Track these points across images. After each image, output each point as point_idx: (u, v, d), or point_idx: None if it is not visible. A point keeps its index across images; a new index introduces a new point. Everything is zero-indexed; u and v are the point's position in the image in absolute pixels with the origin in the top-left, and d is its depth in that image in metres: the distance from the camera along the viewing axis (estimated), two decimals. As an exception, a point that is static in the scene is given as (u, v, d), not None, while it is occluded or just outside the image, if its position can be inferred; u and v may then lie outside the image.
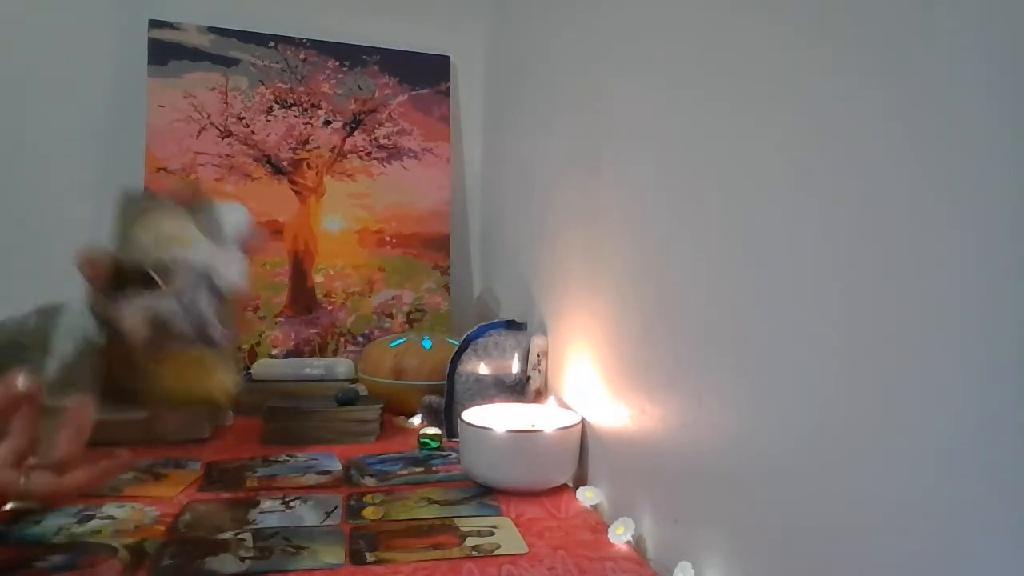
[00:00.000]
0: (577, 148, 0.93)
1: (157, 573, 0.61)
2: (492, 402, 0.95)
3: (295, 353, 1.35)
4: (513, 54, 1.31)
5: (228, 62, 1.36)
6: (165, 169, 1.30)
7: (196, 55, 1.34)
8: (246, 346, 1.31)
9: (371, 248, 1.43)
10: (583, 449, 0.86)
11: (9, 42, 1.29)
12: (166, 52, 1.32)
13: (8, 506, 0.55)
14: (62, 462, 0.52)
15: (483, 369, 1.02)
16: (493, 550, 0.67)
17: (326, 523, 0.72)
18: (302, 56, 1.40)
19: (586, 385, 0.87)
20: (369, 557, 0.64)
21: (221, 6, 1.38)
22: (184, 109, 1.32)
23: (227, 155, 1.35)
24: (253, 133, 1.37)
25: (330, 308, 1.39)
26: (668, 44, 0.69)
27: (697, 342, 0.63)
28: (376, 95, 1.44)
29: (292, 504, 0.77)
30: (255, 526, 0.71)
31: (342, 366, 1.25)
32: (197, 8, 1.36)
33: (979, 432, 0.35)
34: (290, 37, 1.39)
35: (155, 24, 1.32)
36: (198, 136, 1.33)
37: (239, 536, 0.68)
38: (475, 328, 1.08)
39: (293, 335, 1.36)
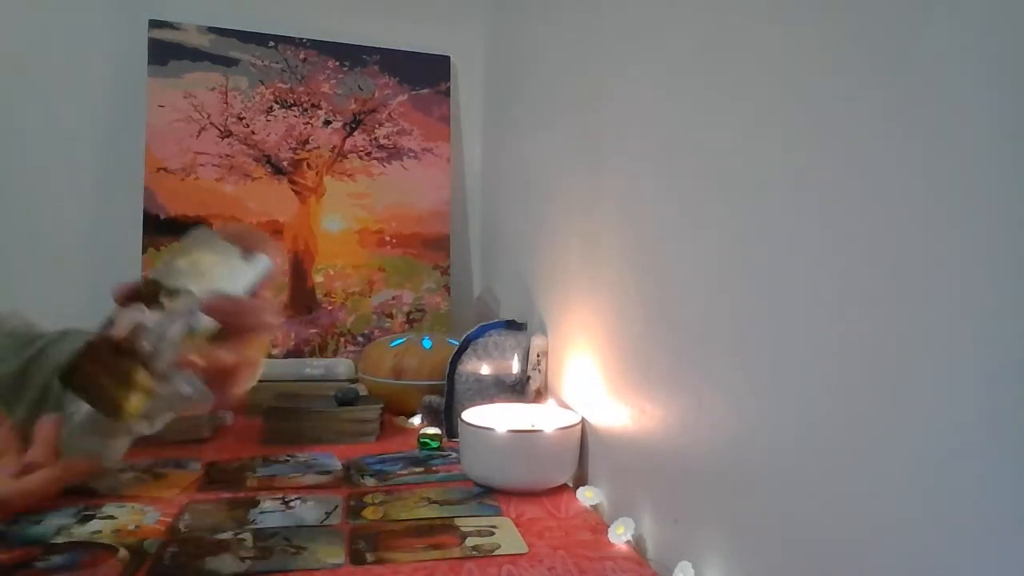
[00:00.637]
0: (577, 148, 0.93)
1: (157, 573, 0.61)
2: (492, 402, 0.95)
3: (295, 353, 1.35)
4: (513, 54, 1.31)
5: (228, 62, 1.36)
6: (165, 169, 1.30)
7: (196, 55, 1.34)
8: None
9: (371, 248, 1.43)
10: (583, 449, 0.86)
11: (9, 42, 1.29)
12: (166, 52, 1.32)
13: None
14: (24, 469, 0.51)
15: (483, 369, 1.02)
16: (493, 550, 0.67)
17: (326, 523, 0.72)
18: (302, 56, 1.40)
19: (586, 385, 0.87)
20: (369, 557, 0.64)
21: (221, 6, 1.38)
22: (184, 109, 1.33)
23: (227, 155, 1.35)
24: (253, 133, 1.37)
25: (330, 308, 1.39)
26: (668, 44, 0.69)
27: (697, 342, 0.63)
28: (376, 95, 1.44)
29: (292, 504, 0.77)
30: (255, 526, 0.71)
31: (342, 366, 1.25)
32: (197, 8, 1.36)
33: (980, 432, 0.35)
34: (290, 37, 1.40)
35: (155, 24, 1.32)
36: (198, 136, 1.33)
37: (239, 536, 0.68)
38: (475, 328, 1.08)
39: (293, 335, 1.36)
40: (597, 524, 0.74)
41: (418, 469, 0.91)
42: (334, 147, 1.41)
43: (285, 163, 1.38)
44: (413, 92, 1.46)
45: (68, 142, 1.32)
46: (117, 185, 1.32)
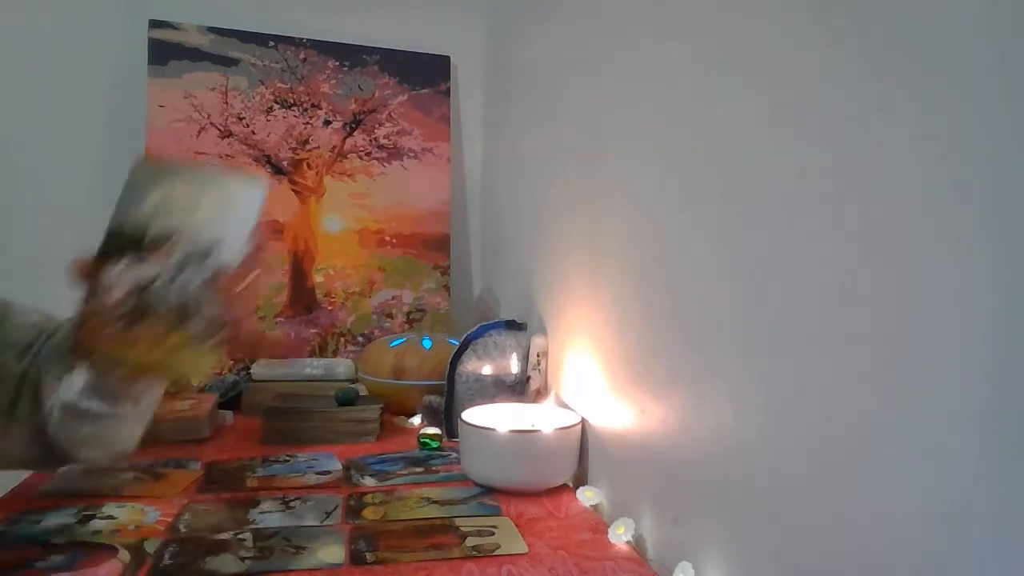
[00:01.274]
0: (577, 148, 0.93)
1: (157, 573, 0.61)
2: (492, 402, 0.95)
3: (295, 353, 1.35)
4: (513, 54, 1.31)
5: (228, 62, 1.36)
6: (165, 169, 1.30)
7: (196, 55, 1.34)
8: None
9: (371, 248, 1.42)
10: (583, 449, 0.86)
11: (9, 42, 1.29)
12: (166, 52, 1.32)
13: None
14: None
15: (483, 369, 1.02)
16: (493, 550, 0.67)
17: (326, 523, 0.72)
18: (302, 56, 1.40)
19: (586, 385, 0.87)
20: (369, 557, 0.64)
21: (221, 6, 1.38)
22: (184, 109, 1.32)
23: (227, 155, 1.35)
24: (253, 133, 1.37)
25: (330, 308, 1.39)
26: (668, 42, 0.69)
27: (697, 342, 0.63)
28: (376, 95, 1.44)
29: (292, 504, 0.77)
30: (255, 526, 0.71)
31: (342, 366, 1.25)
32: (197, 8, 1.36)
33: (980, 433, 0.35)
34: (290, 37, 1.39)
35: (155, 24, 1.32)
36: (198, 136, 1.33)
37: (239, 536, 0.68)
38: (475, 328, 1.08)
39: (293, 335, 1.36)
40: (597, 524, 0.74)
41: (418, 469, 0.91)
42: (334, 147, 1.41)
43: (285, 163, 1.38)
44: (413, 92, 1.46)
45: (68, 142, 1.32)
46: (117, 185, 1.31)
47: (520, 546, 0.68)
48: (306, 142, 1.40)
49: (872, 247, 0.42)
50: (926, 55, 0.39)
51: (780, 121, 0.51)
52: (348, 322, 1.40)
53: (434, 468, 0.91)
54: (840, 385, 0.45)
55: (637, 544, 0.69)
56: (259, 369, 1.24)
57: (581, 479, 0.87)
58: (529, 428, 0.84)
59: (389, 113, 1.44)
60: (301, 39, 1.40)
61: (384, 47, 1.44)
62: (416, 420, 1.12)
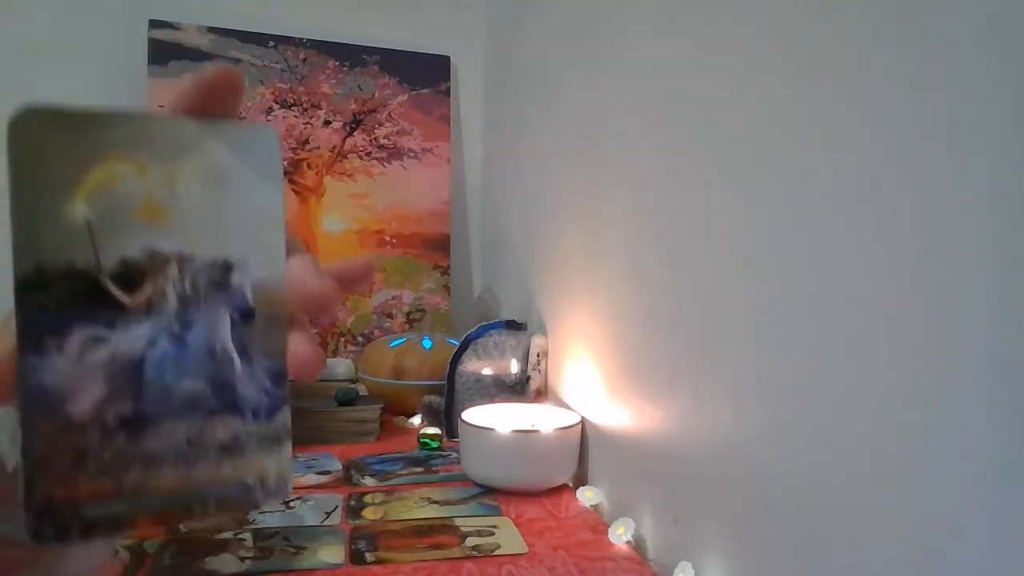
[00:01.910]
0: (577, 147, 0.93)
1: (157, 573, 0.61)
2: (492, 402, 0.95)
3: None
4: (513, 54, 1.31)
5: (228, 62, 1.35)
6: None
7: (196, 55, 1.34)
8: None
9: (371, 248, 1.42)
10: (583, 449, 0.86)
11: (9, 42, 1.29)
12: (166, 52, 1.32)
13: None
14: None
15: (483, 369, 1.02)
16: (493, 550, 0.67)
17: (326, 523, 0.72)
18: (302, 56, 1.40)
19: (586, 385, 0.87)
20: (369, 557, 0.64)
21: (221, 6, 1.38)
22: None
23: (227, 155, 1.34)
24: (253, 133, 1.36)
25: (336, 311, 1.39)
26: (668, 42, 0.69)
27: (698, 342, 0.63)
28: (376, 95, 1.44)
29: (292, 504, 0.77)
30: (255, 526, 0.71)
31: (342, 366, 1.25)
32: (197, 8, 1.36)
33: (981, 433, 0.35)
34: (290, 37, 1.39)
35: (155, 24, 1.32)
36: (198, 136, 1.33)
37: (239, 536, 0.68)
38: (475, 328, 1.08)
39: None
40: (597, 524, 0.74)
41: (418, 469, 0.91)
42: (334, 147, 1.41)
43: (285, 163, 1.38)
44: (413, 92, 1.46)
45: (68, 142, 1.32)
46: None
47: (520, 546, 0.68)
48: (306, 142, 1.40)
49: (873, 248, 0.42)
50: (929, 52, 0.39)
51: (781, 122, 0.51)
52: (348, 322, 1.40)
53: (434, 468, 0.91)
54: (840, 386, 0.45)
55: (637, 544, 0.69)
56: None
57: (581, 479, 0.87)
58: (529, 428, 0.84)
59: (389, 113, 1.44)
60: (301, 39, 1.40)
61: (384, 47, 1.44)
62: (416, 420, 1.12)
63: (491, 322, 1.09)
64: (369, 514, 0.75)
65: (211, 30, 1.35)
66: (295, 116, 1.39)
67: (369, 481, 0.86)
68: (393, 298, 1.43)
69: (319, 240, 1.39)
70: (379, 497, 0.80)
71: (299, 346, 0.28)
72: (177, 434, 0.26)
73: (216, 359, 0.26)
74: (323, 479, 0.86)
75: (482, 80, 1.53)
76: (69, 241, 0.24)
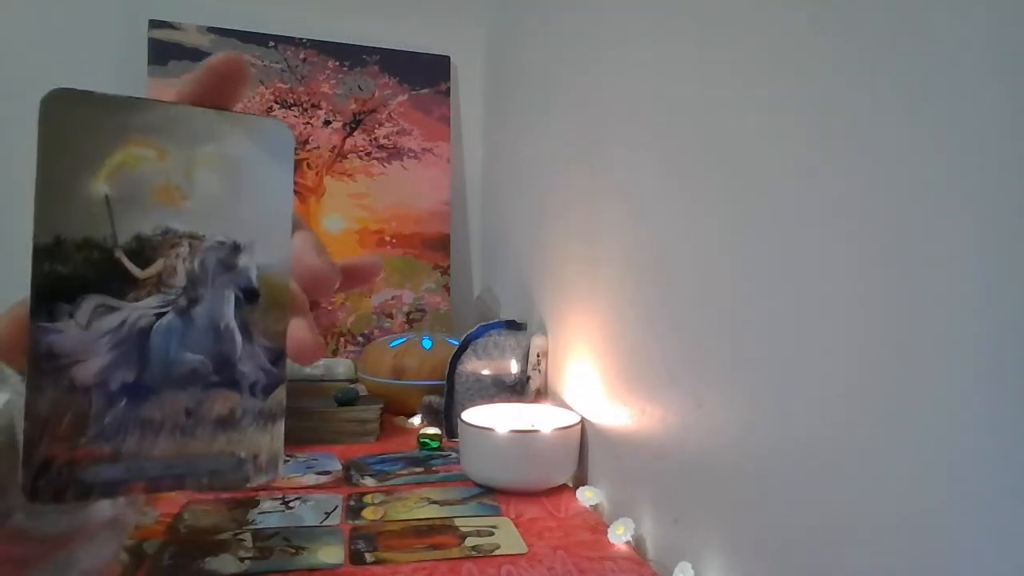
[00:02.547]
0: (577, 147, 0.93)
1: (157, 573, 0.61)
2: (492, 402, 0.95)
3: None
4: (513, 54, 1.31)
5: (228, 62, 1.35)
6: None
7: (196, 55, 1.34)
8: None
9: (371, 248, 1.42)
10: (583, 449, 0.86)
11: (9, 42, 1.29)
12: (166, 52, 1.32)
13: None
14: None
15: (483, 369, 1.02)
16: (493, 550, 0.66)
17: (326, 523, 0.72)
18: (302, 56, 1.40)
19: (586, 385, 0.87)
20: (369, 557, 0.64)
21: (221, 6, 1.38)
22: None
23: (227, 155, 1.35)
24: (253, 133, 1.36)
25: (330, 308, 1.39)
26: (669, 43, 0.69)
27: (697, 342, 0.63)
28: (376, 95, 1.44)
29: (292, 504, 0.77)
30: (255, 526, 0.71)
31: (342, 366, 1.25)
32: (197, 8, 1.36)
33: (978, 433, 0.35)
34: (290, 37, 1.39)
35: (155, 24, 1.32)
36: (198, 136, 1.33)
37: (239, 536, 0.68)
38: (475, 328, 1.08)
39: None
40: (597, 524, 0.74)
41: (418, 469, 0.91)
42: (334, 147, 1.41)
43: (285, 163, 1.38)
44: (413, 92, 1.46)
45: (68, 142, 1.32)
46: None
47: (520, 546, 0.68)
48: (306, 142, 1.40)
49: (873, 249, 0.42)
50: (929, 57, 0.39)
51: (780, 126, 0.51)
52: (348, 322, 1.39)
53: (434, 468, 0.91)
54: (840, 386, 0.45)
55: (637, 544, 0.69)
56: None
57: (581, 479, 0.87)
58: (529, 428, 0.84)
59: (389, 113, 1.44)
60: (301, 39, 1.40)
61: (384, 47, 1.44)
62: (416, 420, 1.12)
63: (491, 322, 1.09)
64: (369, 514, 0.75)
65: (211, 30, 1.35)
66: (295, 116, 1.39)
67: (369, 481, 0.86)
68: (393, 298, 1.43)
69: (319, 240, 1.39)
70: (379, 497, 0.80)
71: (299, 332, 0.28)
72: (176, 405, 0.27)
73: (219, 335, 0.27)
74: (323, 479, 0.86)
75: (482, 80, 1.53)
76: (88, 215, 0.26)
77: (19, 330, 0.25)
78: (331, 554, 0.65)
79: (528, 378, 1.01)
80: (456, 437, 0.94)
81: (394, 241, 1.44)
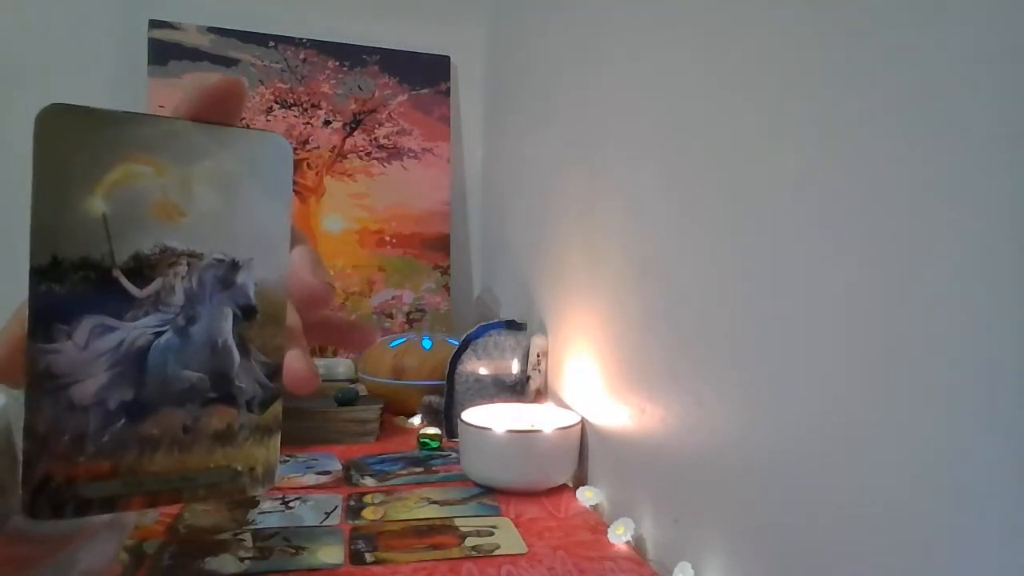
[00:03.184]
0: (577, 148, 0.93)
1: (157, 573, 0.61)
2: (492, 402, 0.95)
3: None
4: (513, 54, 1.31)
5: (228, 62, 1.36)
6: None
7: (196, 55, 1.34)
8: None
9: (371, 248, 1.42)
10: (583, 449, 0.86)
11: (9, 42, 1.29)
12: (166, 52, 1.32)
13: None
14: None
15: (483, 369, 1.02)
16: (493, 550, 0.66)
17: (326, 523, 0.72)
18: (302, 56, 1.40)
19: (586, 385, 0.87)
20: (369, 557, 0.64)
21: (221, 6, 1.38)
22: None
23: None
24: (253, 133, 1.36)
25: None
26: (669, 44, 0.69)
27: (697, 342, 0.63)
28: (376, 95, 1.44)
29: (292, 504, 0.77)
30: (255, 526, 0.71)
31: (342, 366, 1.25)
32: (197, 8, 1.36)
33: (977, 433, 0.35)
34: (290, 37, 1.39)
35: (155, 24, 1.32)
36: (198, 136, 1.33)
37: (239, 536, 0.68)
38: (475, 328, 1.08)
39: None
40: (597, 524, 0.74)
41: (418, 469, 0.91)
42: (334, 147, 1.41)
43: (285, 163, 1.38)
44: (413, 92, 1.46)
45: (68, 142, 1.32)
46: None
47: (520, 546, 0.68)
48: (306, 142, 1.40)
49: (872, 249, 0.42)
50: (924, 65, 0.39)
51: (780, 127, 0.51)
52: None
53: (434, 468, 0.91)
54: (839, 385, 0.45)
55: (637, 544, 0.69)
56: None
57: (581, 479, 0.87)
58: (529, 428, 0.83)
59: (389, 113, 1.44)
60: (301, 39, 1.40)
61: (384, 47, 1.44)
62: (416, 420, 1.12)
63: (491, 322, 1.09)
64: (369, 514, 0.75)
65: (211, 30, 1.35)
66: (295, 116, 1.39)
67: (369, 481, 0.86)
68: (393, 298, 1.43)
69: (319, 240, 1.40)
70: (379, 497, 0.80)
71: (295, 363, 0.29)
72: (174, 421, 0.27)
73: (216, 352, 0.27)
74: (323, 479, 0.86)
75: (482, 80, 1.53)
76: (86, 234, 0.25)
77: (17, 351, 0.25)
78: (331, 554, 0.65)
79: (528, 378, 1.01)
80: (456, 437, 0.94)
81: (394, 241, 1.44)
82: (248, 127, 0.28)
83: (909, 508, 0.39)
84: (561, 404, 0.95)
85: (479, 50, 1.53)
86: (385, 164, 1.44)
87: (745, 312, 0.55)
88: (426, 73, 1.47)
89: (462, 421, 0.86)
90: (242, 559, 0.63)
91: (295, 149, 1.39)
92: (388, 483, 0.85)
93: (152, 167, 0.26)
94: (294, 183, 1.38)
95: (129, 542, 0.66)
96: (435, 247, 1.46)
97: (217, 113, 0.27)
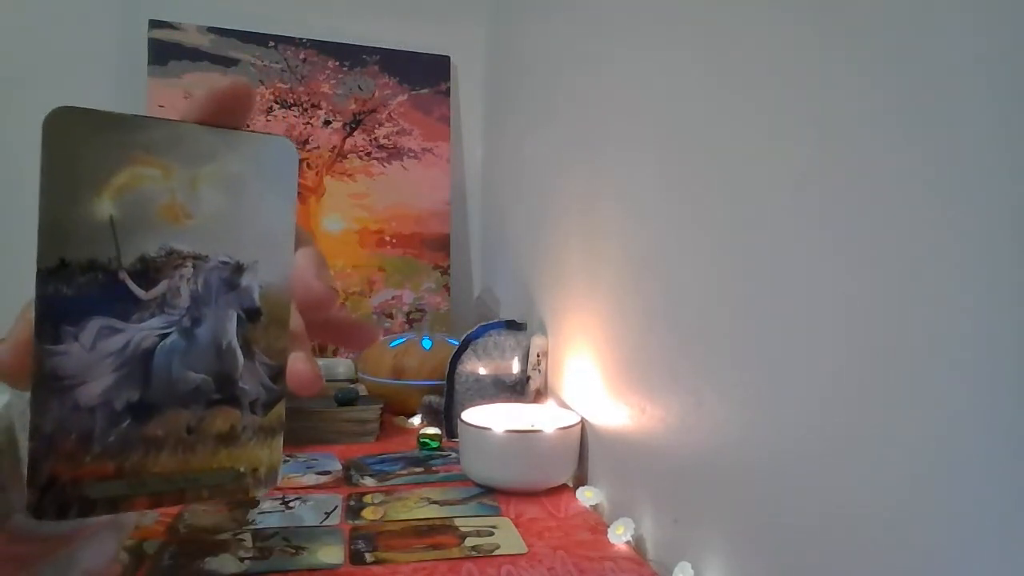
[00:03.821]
0: (577, 148, 0.93)
1: (157, 573, 0.61)
2: (492, 402, 0.95)
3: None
4: (513, 54, 1.31)
5: (228, 62, 1.36)
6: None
7: (196, 55, 1.34)
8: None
9: (371, 248, 1.42)
10: (583, 449, 0.86)
11: (9, 42, 1.29)
12: (166, 52, 1.32)
13: None
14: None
15: (483, 369, 1.02)
16: (492, 550, 0.66)
17: (325, 523, 0.72)
18: (302, 56, 1.40)
19: (586, 385, 0.87)
20: (368, 557, 0.64)
21: (221, 6, 1.38)
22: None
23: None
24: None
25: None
26: (669, 44, 0.69)
27: (697, 342, 0.63)
28: (376, 95, 1.44)
29: (292, 504, 0.77)
30: (255, 526, 0.71)
31: (342, 366, 1.25)
32: (197, 8, 1.36)
33: (977, 433, 0.35)
34: (290, 37, 1.39)
35: (155, 24, 1.32)
36: (198, 136, 1.33)
37: (239, 536, 0.68)
38: (475, 328, 1.08)
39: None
40: (597, 524, 0.74)
41: (418, 469, 0.91)
42: (334, 147, 1.41)
43: (285, 163, 1.38)
44: (413, 92, 1.46)
45: (68, 142, 1.32)
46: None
47: (519, 546, 0.68)
48: (306, 142, 1.40)
49: (872, 248, 0.42)
50: (924, 65, 0.39)
51: (779, 127, 0.51)
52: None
53: (434, 468, 0.91)
54: (840, 385, 0.45)
55: (637, 544, 0.69)
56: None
57: (581, 479, 0.87)
58: (529, 428, 0.83)
59: (389, 113, 1.44)
60: (301, 39, 1.40)
61: (384, 47, 1.44)
62: (416, 420, 1.12)
63: (491, 322, 1.09)
64: (369, 514, 0.75)
65: (211, 30, 1.35)
66: (295, 116, 1.39)
67: (369, 481, 0.86)
68: (393, 298, 1.43)
69: (319, 240, 1.39)
70: (379, 497, 0.80)
71: (298, 364, 0.29)
72: (178, 422, 0.27)
73: (221, 354, 0.28)
74: (323, 479, 0.86)
75: (482, 80, 1.53)
76: (93, 237, 0.25)
77: (24, 353, 0.25)
78: (331, 554, 0.65)
79: (528, 378, 1.01)
80: (456, 437, 0.94)
81: (394, 241, 1.44)
82: (248, 128, 0.28)
83: (909, 508, 0.39)
84: (561, 404, 0.95)
85: (479, 50, 1.53)
86: (385, 164, 1.44)
87: (745, 312, 0.55)
88: (426, 73, 1.47)
89: (462, 421, 0.86)
90: (242, 559, 0.63)
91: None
92: (388, 483, 0.85)
93: (159, 169, 0.26)
94: (294, 183, 1.38)
95: (129, 542, 0.66)
96: (435, 247, 1.46)
97: (226, 116, 0.27)
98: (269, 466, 0.29)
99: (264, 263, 0.28)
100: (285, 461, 0.92)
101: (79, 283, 0.25)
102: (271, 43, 1.38)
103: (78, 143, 0.25)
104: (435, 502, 0.79)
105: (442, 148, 1.47)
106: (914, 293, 0.39)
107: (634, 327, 0.75)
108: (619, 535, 0.69)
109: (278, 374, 0.29)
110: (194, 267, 0.27)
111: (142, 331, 0.26)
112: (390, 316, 1.42)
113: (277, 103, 1.38)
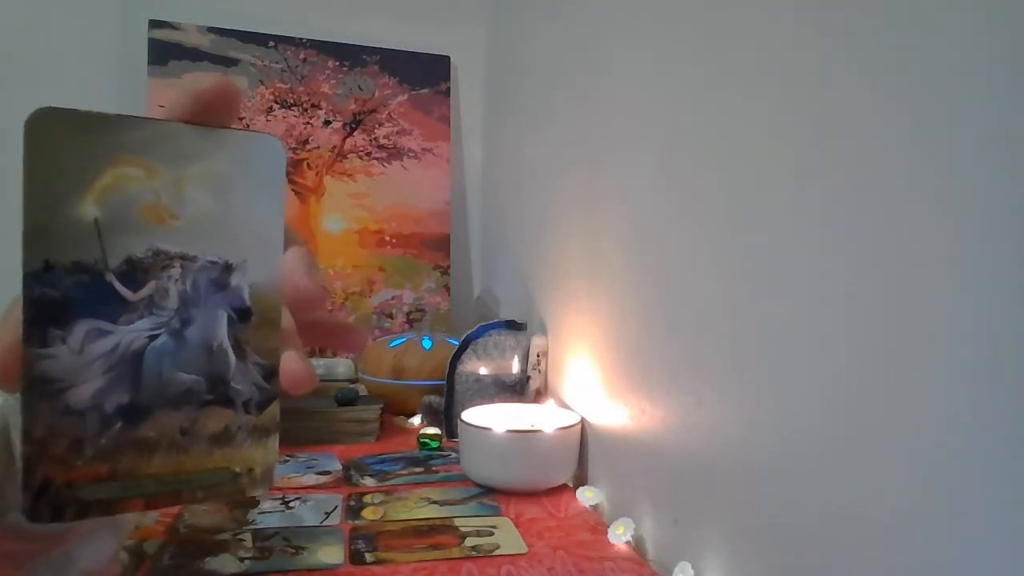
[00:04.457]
0: (577, 147, 0.93)
1: (157, 573, 0.61)
2: (492, 402, 0.95)
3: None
4: (513, 54, 1.31)
5: (228, 62, 1.36)
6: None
7: (196, 55, 1.34)
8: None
9: (371, 248, 1.42)
10: (583, 449, 0.86)
11: (9, 42, 1.29)
12: (166, 52, 1.32)
13: None
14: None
15: (483, 369, 1.02)
16: (492, 550, 0.66)
17: (325, 523, 0.72)
18: (302, 56, 1.40)
19: (586, 385, 0.87)
20: (368, 557, 0.64)
21: (221, 6, 1.38)
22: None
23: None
24: (253, 133, 1.36)
25: (330, 308, 1.39)
26: (668, 44, 0.69)
27: (697, 342, 0.63)
28: (376, 95, 1.44)
29: (292, 504, 0.77)
30: (255, 526, 0.71)
31: (342, 366, 1.25)
32: (197, 8, 1.36)
33: (977, 433, 0.35)
34: (290, 37, 1.39)
35: (155, 24, 1.32)
36: (198, 136, 1.33)
37: (239, 536, 0.68)
38: (475, 328, 1.08)
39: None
40: (597, 524, 0.74)
41: (418, 469, 0.91)
42: (334, 147, 1.41)
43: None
44: (413, 92, 1.46)
45: (68, 142, 1.32)
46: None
47: (519, 546, 0.68)
48: (306, 142, 1.40)
49: (871, 248, 0.42)
50: (924, 65, 0.39)
51: (779, 128, 0.51)
52: (348, 322, 1.39)
53: (434, 468, 0.91)
54: (839, 385, 0.45)
55: (637, 544, 0.69)
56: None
57: (581, 479, 0.87)
58: (529, 428, 0.83)
59: (389, 113, 1.44)
60: (301, 39, 1.40)
61: (384, 47, 1.44)
62: (416, 420, 1.12)
63: (491, 322, 1.09)
64: (369, 514, 0.75)
65: (211, 30, 1.35)
66: (295, 116, 1.39)
67: (369, 481, 0.86)
68: (393, 298, 1.43)
69: (319, 240, 1.40)
70: (379, 497, 0.80)
71: (291, 363, 0.29)
72: (171, 423, 0.27)
73: (212, 355, 0.27)
74: (323, 479, 0.86)
75: (482, 80, 1.53)
76: (78, 238, 0.25)
77: (12, 357, 0.25)
78: (331, 554, 0.65)
79: (528, 378, 1.01)
80: (456, 437, 0.94)
81: (394, 241, 1.44)
82: (248, 128, 0.28)
83: (909, 508, 0.39)
84: (561, 404, 0.95)
85: (479, 50, 1.53)
86: (385, 164, 1.44)
87: (745, 312, 0.55)
88: (426, 73, 1.47)
89: (462, 421, 0.86)
90: (242, 559, 0.63)
91: (295, 149, 1.39)
92: (388, 483, 0.85)
93: (142, 170, 0.26)
94: (294, 183, 1.39)
95: (129, 542, 0.66)
96: (435, 247, 1.46)
97: (210, 116, 0.27)
98: (265, 466, 0.29)
99: (253, 262, 0.28)
100: (285, 461, 0.92)
101: (65, 285, 0.25)
102: (271, 43, 1.38)
103: (59, 144, 0.25)
104: (435, 502, 0.79)
105: (442, 148, 1.47)
106: (914, 293, 0.39)
107: (634, 327, 0.75)
108: (619, 535, 0.69)
109: (271, 373, 0.28)
110: (182, 268, 0.27)
111: (131, 333, 0.26)
112: (390, 316, 1.42)
113: (277, 103, 1.38)
